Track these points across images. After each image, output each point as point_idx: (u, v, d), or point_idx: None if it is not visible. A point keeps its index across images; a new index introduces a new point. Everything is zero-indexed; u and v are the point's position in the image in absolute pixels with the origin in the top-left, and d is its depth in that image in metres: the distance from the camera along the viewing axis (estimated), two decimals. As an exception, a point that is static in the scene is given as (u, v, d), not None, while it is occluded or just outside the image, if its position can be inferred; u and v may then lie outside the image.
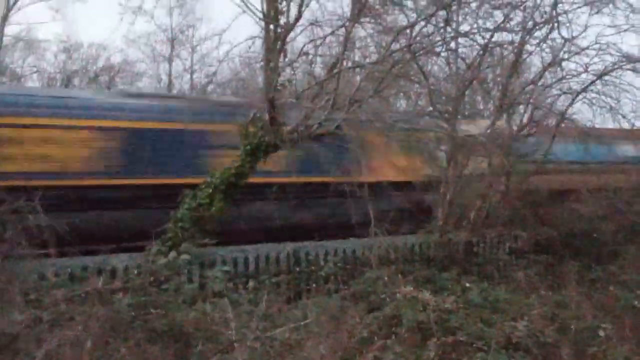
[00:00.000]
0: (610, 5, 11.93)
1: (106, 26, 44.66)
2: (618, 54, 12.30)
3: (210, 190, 10.26)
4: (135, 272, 5.80)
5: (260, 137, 10.20)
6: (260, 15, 9.85)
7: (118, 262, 8.18)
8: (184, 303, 5.80)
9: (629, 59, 12.41)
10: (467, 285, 8.30)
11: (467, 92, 12.58)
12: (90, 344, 4.67)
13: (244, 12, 9.78)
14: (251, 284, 8.39)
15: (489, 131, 11.91)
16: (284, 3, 9.85)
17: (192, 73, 33.70)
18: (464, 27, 11.26)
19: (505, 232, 11.99)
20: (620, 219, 12.61)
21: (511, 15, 11.30)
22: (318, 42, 10.55)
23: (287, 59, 10.40)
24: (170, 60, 33.47)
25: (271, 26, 9.93)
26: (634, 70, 12.62)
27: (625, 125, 13.67)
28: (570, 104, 13.01)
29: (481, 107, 14.88)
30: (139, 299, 5.46)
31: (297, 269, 9.52)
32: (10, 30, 30.43)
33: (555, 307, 7.39)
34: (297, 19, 9.95)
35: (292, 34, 10.21)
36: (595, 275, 9.46)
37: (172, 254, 5.97)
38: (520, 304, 7.37)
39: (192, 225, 10.02)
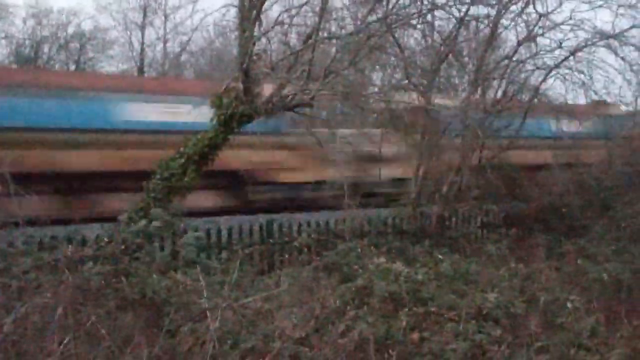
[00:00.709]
0: (586, -19, 11.99)
1: (76, -9, 43.73)
2: (592, 30, 12.39)
3: (183, 161, 10.15)
4: (106, 240, 5.75)
5: (234, 108, 10.09)
6: (235, -17, 9.70)
7: (89, 231, 8.10)
8: (156, 271, 5.77)
9: (602, 35, 12.49)
10: (439, 257, 8.38)
11: (442, 66, 12.57)
12: (60, 311, 4.62)
13: (219, -21, 9.64)
14: (224, 254, 8.37)
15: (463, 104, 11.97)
16: (260, -29, 9.69)
17: (165, 42, 33.21)
18: (441, 0, 11.22)
19: (477, 205, 12.13)
20: (589, 194, 12.82)
21: (488, -11, 11.29)
22: (293, 11, 10.41)
23: (262, 29, 10.26)
24: (142, 28, 32.91)
25: (246, -6, 9.78)
26: (606, 46, 12.71)
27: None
28: (544, 80, 13.10)
29: (456, 80, 14.91)
30: (110, 267, 5.41)
31: (271, 240, 9.53)
32: (-24, -6, 29.61)
33: (525, 279, 7.50)
34: (273, -13, 9.82)
35: (267, 3, 10.06)
36: (564, 249, 9.60)
37: (143, 221, 5.90)
38: (490, 276, 7.45)
39: (164, 196, 9.93)
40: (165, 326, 5.12)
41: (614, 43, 12.60)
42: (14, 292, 5.29)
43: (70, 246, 6.61)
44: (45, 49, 31.90)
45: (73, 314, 4.85)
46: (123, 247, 5.55)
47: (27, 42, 31.69)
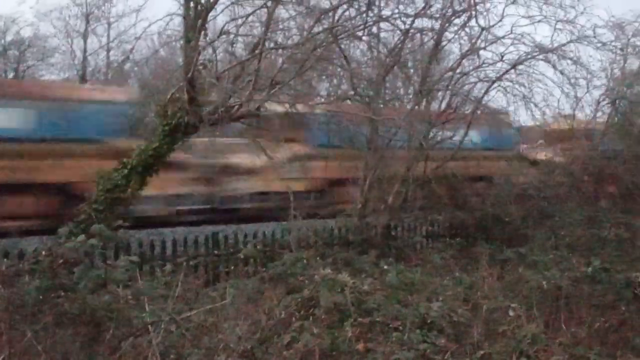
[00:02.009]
0: (526, -4, 12.34)
1: (15, -3, 42.59)
2: (531, 44, 12.76)
3: (127, 171, 9.96)
4: (44, 253, 5.56)
5: (179, 118, 9.96)
6: (180, -8, 9.60)
7: (27, 245, 7.83)
8: (96, 286, 5.61)
9: (541, 49, 12.87)
10: (385, 267, 8.42)
11: (388, 77, 12.71)
12: (-7, 328, 4.45)
13: (163, -13, 9.53)
14: (168, 267, 8.21)
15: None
16: (205, -20, 9.61)
17: (108, 50, 32.60)
18: (386, 12, 11.37)
19: (422, 216, 12.27)
20: (529, 204, 13.14)
21: (431, 2, 11.50)
22: (239, 21, 10.36)
23: (207, 38, 10.16)
24: (85, 36, 32.19)
25: (191, 3, 9.68)
26: (546, 60, 13.11)
27: (537, 114, 14.21)
28: (486, 92, 13.42)
29: (401, 92, 15.10)
30: (47, 281, 5.23)
31: (216, 251, 9.41)
32: None
33: (468, 288, 7.60)
34: (218, -4, 9.75)
35: (212, 12, 9.98)
36: (506, 257, 9.79)
37: (81, 237, 5.72)
38: (435, 285, 7.53)
39: (107, 208, 9.71)
40: (106, 342, 4.98)
41: (553, 57, 13.02)
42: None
43: (6, 260, 6.37)
44: (-17, 56, 30.93)
45: (8, 330, 4.67)
46: (61, 261, 5.38)
47: (-37, 49, 30.66)
